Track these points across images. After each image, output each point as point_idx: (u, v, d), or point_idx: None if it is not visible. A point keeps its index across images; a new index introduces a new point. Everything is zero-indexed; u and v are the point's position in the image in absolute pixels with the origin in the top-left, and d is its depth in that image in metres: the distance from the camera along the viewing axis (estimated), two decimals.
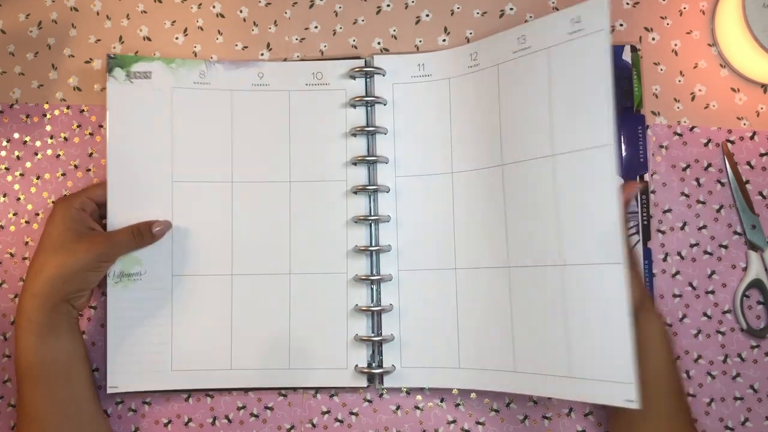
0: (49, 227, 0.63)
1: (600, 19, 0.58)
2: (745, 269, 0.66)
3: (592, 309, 0.58)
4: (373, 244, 0.67)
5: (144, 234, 0.65)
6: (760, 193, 0.67)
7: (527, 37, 0.62)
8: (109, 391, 0.65)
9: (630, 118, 0.67)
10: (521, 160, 0.62)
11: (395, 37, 0.70)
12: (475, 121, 0.65)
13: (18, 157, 0.70)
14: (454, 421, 0.67)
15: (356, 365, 0.66)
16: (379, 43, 0.70)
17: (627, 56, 0.67)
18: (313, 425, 0.67)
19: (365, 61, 0.68)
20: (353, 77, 0.68)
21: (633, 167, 0.66)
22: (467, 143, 0.65)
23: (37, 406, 0.61)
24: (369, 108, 0.68)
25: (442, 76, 0.67)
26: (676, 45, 0.69)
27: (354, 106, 0.68)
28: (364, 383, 0.66)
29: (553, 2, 0.70)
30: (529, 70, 0.62)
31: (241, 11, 0.71)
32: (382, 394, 0.68)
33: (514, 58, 0.63)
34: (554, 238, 0.60)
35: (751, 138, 0.67)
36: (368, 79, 0.68)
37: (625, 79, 0.67)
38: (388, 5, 0.71)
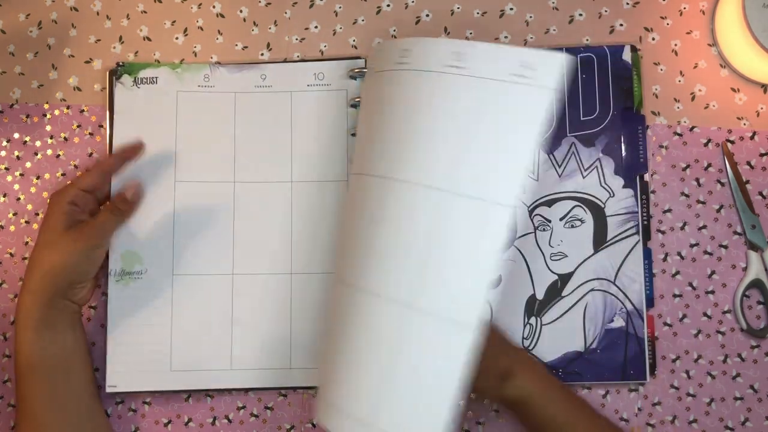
0: (43, 224, 0.63)
1: (552, 78, 0.52)
2: (745, 269, 0.66)
3: (424, 363, 0.53)
4: None
5: (122, 206, 0.65)
6: (760, 193, 0.67)
7: (462, 55, 0.55)
8: (108, 390, 0.66)
9: (630, 118, 0.66)
10: (408, 181, 0.55)
11: (395, 37, 0.70)
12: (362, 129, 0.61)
13: (18, 157, 0.70)
14: None
15: None
16: (379, 43, 0.70)
17: (627, 56, 0.67)
18: (313, 425, 0.67)
19: (365, 61, 0.68)
20: (354, 77, 0.68)
21: (633, 167, 0.66)
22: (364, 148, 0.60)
23: (35, 402, 0.61)
24: None
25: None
26: (676, 45, 0.69)
27: (354, 106, 0.68)
28: None
29: (553, 2, 0.70)
30: (454, 91, 0.55)
31: (241, 11, 0.71)
32: None
33: (443, 71, 0.55)
34: (412, 277, 0.53)
35: (751, 138, 0.67)
36: None
37: (625, 78, 0.67)
38: (388, 5, 0.71)
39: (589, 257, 0.66)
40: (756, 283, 0.66)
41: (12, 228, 0.70)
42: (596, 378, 0.65)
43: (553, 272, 0.66)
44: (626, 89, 0.67)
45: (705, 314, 0.66)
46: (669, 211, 0.67)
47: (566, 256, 0.66)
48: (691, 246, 0.67)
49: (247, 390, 0.68)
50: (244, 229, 0.67)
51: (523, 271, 0.66)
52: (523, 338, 0.66)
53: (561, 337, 0.66)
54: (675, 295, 0.67)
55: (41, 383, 0.61)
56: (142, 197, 0.66)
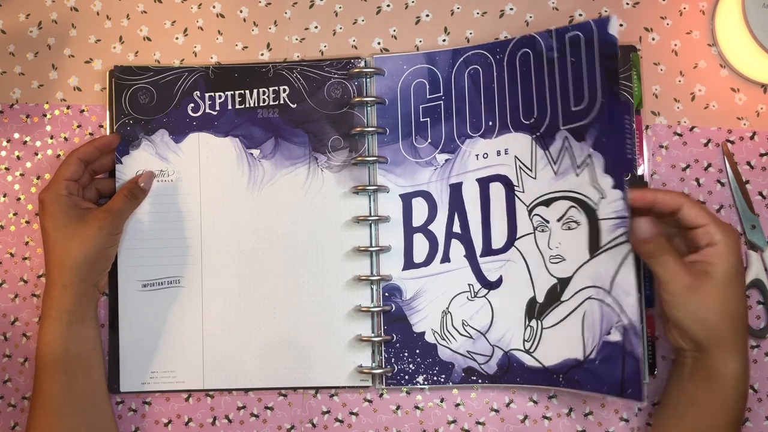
0: (47, 220, 0.63)
1: None
2: (745, 269, 0.66)
3: None
4: (374, 245, 0.67)
5: (136, 193, 0.66)
6: (760, 193, 0.67)
7: None
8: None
9: (615, 105, 0.60)
10: None
11: (395, 37, 0.70)
12: None
13: (18, 157, 0.70)
14: (454, 421, 0.67)
15: (360, 365, 0.66)
16: (379, 43, 0.70)
17: (614, 29, 0.60)
18: (313, 425, 0.67)
19: (365, 62, 0.68)
20: (353, 78, 0.68)
21: (618, 163, 0.60)
22: None
23: (54, 396, 0.61)
24: (369, 108, 0.68)
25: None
26: (676, 45, 0.69)
27: (353, 107, 0.68)
28: (366, 383, 0.66)
29: (553, 2, 0.70)
30: None
31: (241, 11, 0.71)
32: (382, 394, 0.68)
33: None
34: None
35: (751, 138, 0.67)
36: (368, 80, 0.68)
37: (610, 57, 0.60)
38: (388, 5, 0.71)
39: (585, 262, 0.62)
40: (756, 283, 0.66)
41: (12, 228, 0.70)
42: (596, 389, 0.61)
43: (552, 275, 0.63)
44: (610, 69, 0.60)
45: None
46: None
47: (564, 259, 0.63)
48: None
49: (247, 390, 0.68)
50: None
51: (523, 272, 0.65)
52: (524, 340, 0.64)
53: (561, 342, 0.63)
54: None
55: (62, 377, 0.62)
56: (151, 186, 0.67)
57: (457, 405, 0.67)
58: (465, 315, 0.66)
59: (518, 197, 0.65)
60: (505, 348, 0.65)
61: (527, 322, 0.64)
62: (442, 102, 0.67)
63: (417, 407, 0.67)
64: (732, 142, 0.67)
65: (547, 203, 0.64)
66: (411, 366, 0.66)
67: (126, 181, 0.67)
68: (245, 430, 0.68)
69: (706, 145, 0.68)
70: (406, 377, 0.66)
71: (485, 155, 0.66)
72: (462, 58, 0.67)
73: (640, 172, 0.66)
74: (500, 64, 0.66)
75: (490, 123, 0.66)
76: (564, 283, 0.63)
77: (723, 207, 0.67)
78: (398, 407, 0.67)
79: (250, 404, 0.68)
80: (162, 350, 0.67)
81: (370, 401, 0.68)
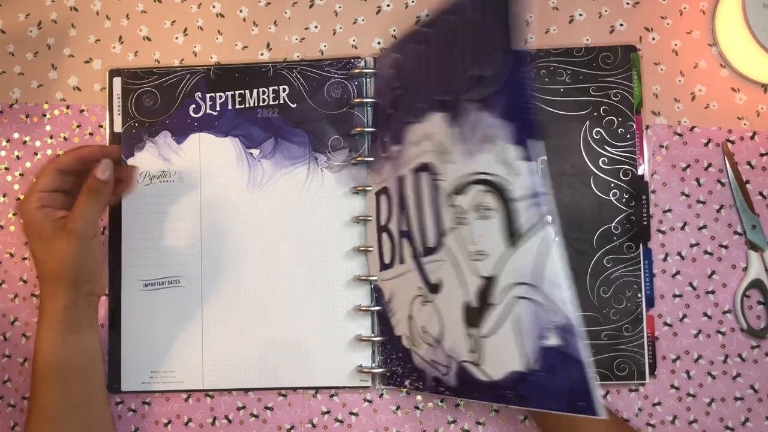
0: (28, 234, 0.62)
1: None
2: (745, 269, 0.66)
3: None
4: (371, 245, 0.67)
5: (98, 188, 0.60)
6: (760, 193, 0.67)
7: None
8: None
9: (513, 60, 0.50)
10: None
11: (395, 37, 0.70)
12: None
13: (18, 157, 0.70)
14: (454, 421, 0.67)
15: (360, 365, 0.66)
16: (379, 43, 0.70)
17: None
18: (313, 425, 0.67)
19: (365, 62, 0.68)
20: (353, 78, 0.68)
21: (523, 129, 0.50)
22: None
23: (50, 405, 0.61)
24: (368, 108, 0.68)
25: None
26: (676, 45, 0.69)
27: (353, 107, 0.68)
28: (366, 383, 0.66)
29: (553, 2, 0.70)
30: None
31: (241, 11, 0.71)
32: (382, 394, 0.68)
33: None
34: None
35: (751, 138, 0.67)
36: (368, 80, 0.68)
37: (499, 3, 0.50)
38: (388, 5, 0.71)
39: (506, 256, 0.52)
40: (756, 283, 0.66)
41: (12, 228, 0.70)
42: (546, 405, 0.52)
43: (478, 275, 0.55)
44: (504, 21, 0.50)
45: (705, 314, 0.66)
46: (669, 211, 0.67)
47: (487, 255, 0.54)
48: (691, 246, 0.67)
49: (247, 390, 0.68)
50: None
51: (455, 272, 0.57)
52: (469, 351, 0.56)
53: (501, 352, 0.54)
54: (675, 295, 0.67)
55: (56, 385, 0.61)
56: (112, 175, 0.61)
57: (457, 405, 0.67)
58: (423, 321, 0.61)
59: (441, 187, 0.57)
60: (458, 359, 0.57)
61: (467, 330, 0.56)
62: (400, 91, 0.64)
63: (417, 407, 0.67)
64: (732, 142, 0.67)
65: (461, 190, 0.55)
66: (399, 369, 0.65)
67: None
68: (245, 430, 0.68)
69: (706, 145, 0.68)
70: (398, 379, 0.65)
71: (417, 142, 0.59)
72: (414, 41, 0.61)
73: (640, 172, 0.66)
74: (432, 37, 0.57)
75: (419, 105, 0.60)
76: (491, 282, 0.54)
77: (723, 207, 0.67)
78: (398, 407, 0.67)
79: (250, 404, 0.68)
80: (162, 350, 0.67)
81: (370, 401, 0.68)
